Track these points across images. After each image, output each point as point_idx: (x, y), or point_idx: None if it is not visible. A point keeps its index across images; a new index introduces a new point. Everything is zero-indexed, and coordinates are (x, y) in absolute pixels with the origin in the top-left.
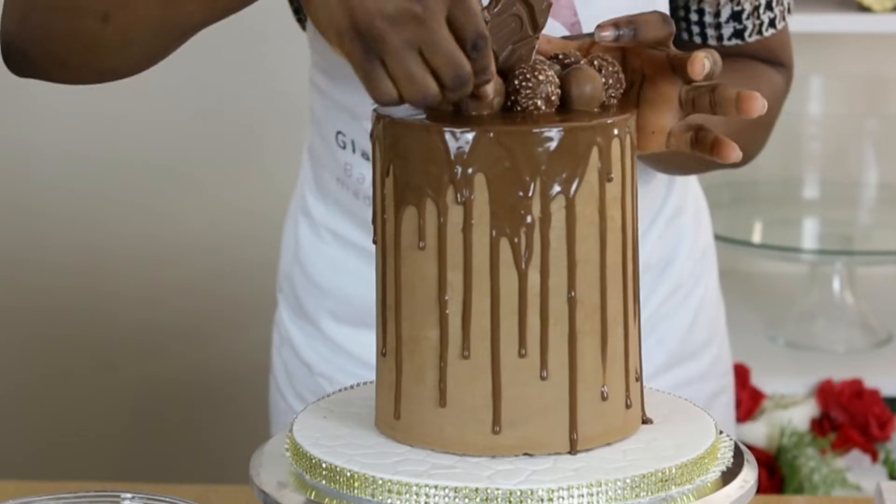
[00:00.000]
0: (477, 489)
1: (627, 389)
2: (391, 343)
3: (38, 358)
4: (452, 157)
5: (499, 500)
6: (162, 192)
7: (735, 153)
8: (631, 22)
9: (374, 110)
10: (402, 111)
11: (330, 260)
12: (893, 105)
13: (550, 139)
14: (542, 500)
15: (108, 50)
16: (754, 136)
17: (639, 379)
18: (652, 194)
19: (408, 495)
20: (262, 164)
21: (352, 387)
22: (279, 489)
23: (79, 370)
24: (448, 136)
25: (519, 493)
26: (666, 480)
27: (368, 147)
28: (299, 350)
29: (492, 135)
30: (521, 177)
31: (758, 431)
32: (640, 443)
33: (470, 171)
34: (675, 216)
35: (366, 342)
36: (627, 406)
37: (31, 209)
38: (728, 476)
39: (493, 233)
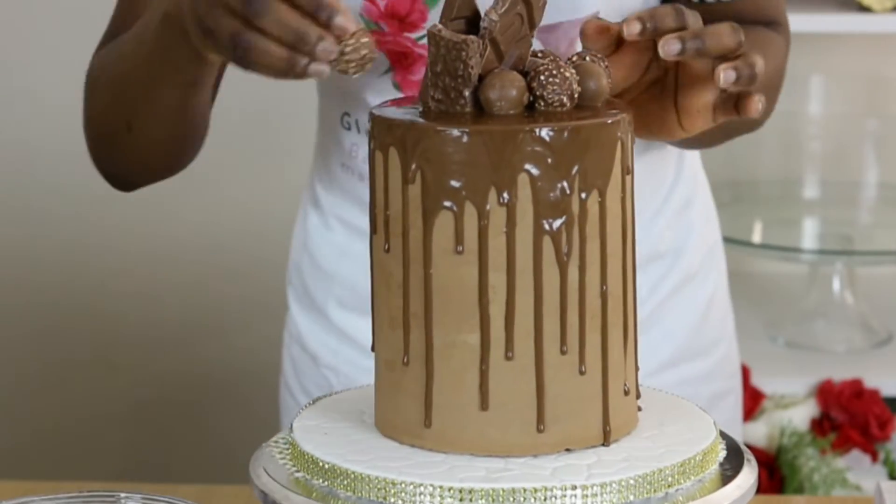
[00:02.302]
0: (553, 487)
1: (637, 380)
2: (417, 351)
3: (39, 357)
4: (495, 158)
5: (577, 497)
6: (169, 189)
7: (758, 105)
8: (697, 36)
9: (375, 115)
10: (397, 112)
11: (337, 247)
12: (893, 105)
13: (588, 135)
14: (613, 493)
15: (140, 151)
16: (770, 98)
17: (637, 369)
18: (659, 181)
19: (472, 502)
20: (270, 162)
21: (332, 394)
22: (282, 492)
23: (80, 369)
24: (490, 139)
25: (591, 487)
26: (706, 461)
27: None
28: (306, 343)
29: (536, 133)
30: (563, 174)
31: (758, 431)
32: (654, 430)
33: (513, 171)
34: (685, 207)
35: (369, 330)
36: (638, 395)
37: (35, 207)
38: (728, 476)
39: (536, 231)
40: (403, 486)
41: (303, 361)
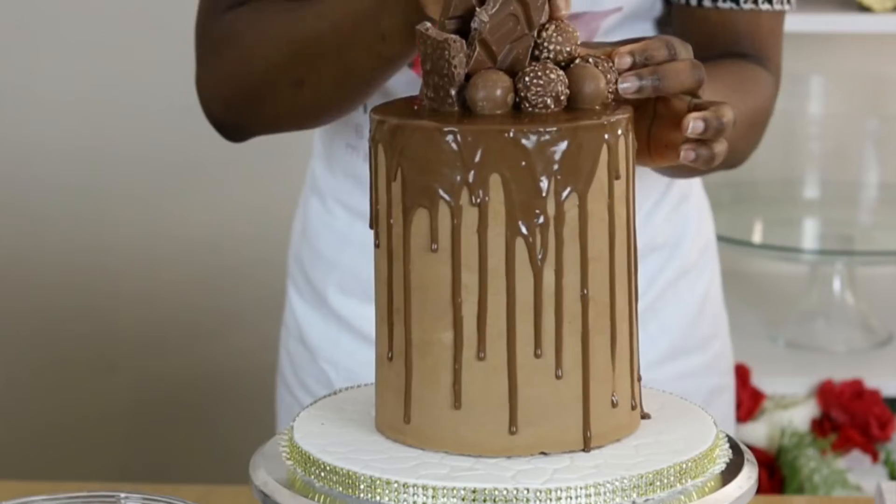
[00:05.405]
0: (506, 489)
1: (632, 387)
2: (399, 347)
3: (39, 357)
4: (467, 158)
5: (530, 500)
6: (168, 189)
7: (691, 155)
8: (655, 72)
9: (372, 110)
10: (391, 110)
11: (337, 233)
12: (893, 105)
13: (565, 138)
14: (570, 499)
15: (307, 109)
16: (751, 137)
17: (639, 379)
18: (658, 175)
19: (434, 499)
20: (269, 161)
21: (337, 392)
22: (282, 492)
23: (80, 369)
24: (462, 138)
25: (547, 492)
26: (683, 473)
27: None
28: (305, 335)
29: (508, 134)
30: (537, 176)
31: (758, 432)
32: (648, 437)
33: (485, 171)
34: (681, 202)
35: (369, 317)
36: (633, 407)
37: (34, 207)
38: (728, 476)
39: (509, 233)
40: (363, 478)
41: (301, 356)
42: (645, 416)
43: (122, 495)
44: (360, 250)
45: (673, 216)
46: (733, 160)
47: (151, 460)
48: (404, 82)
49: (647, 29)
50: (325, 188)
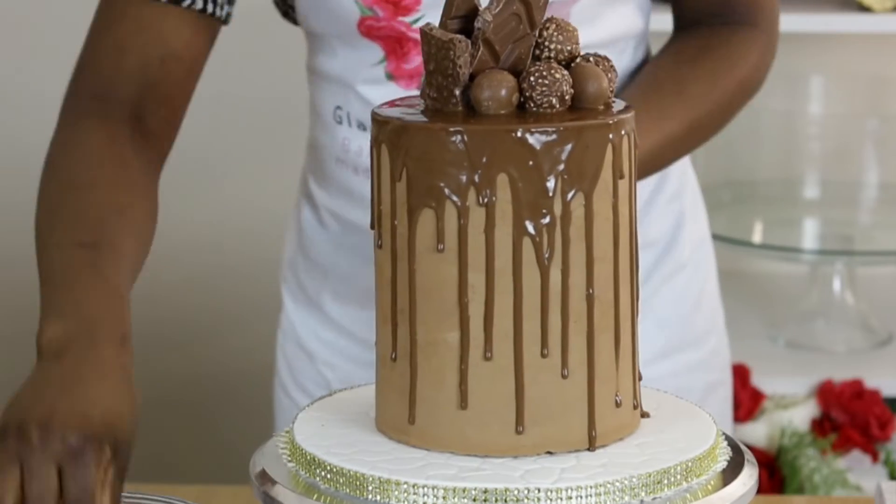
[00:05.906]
0: (517, 489)
1: (634, 386)
2: (403, 347)
3: None
4: (474, 158)
5: (541, 500)
6: (166, 189)
7: None
8: None
9: (373, 111)
10: (393, 110)
11: (331, 241)
12: (894, 105)
13: (572, 138)
14: (580, 498)
15: None
16: (737, 103)
17: (641, 378)
18: None
19: (444, 500)
20: (265, 161)
21: (333, 393)
22: (286, 493)
23: None
24: (469, 138)
25: (557, 491)
26: (688, 472)
27: (364, 117)
28: (302, 340)
29: (515, 134)
30: (544, 175)
31: (758, 432)
32: (650, 436)
33: (492, 171)
34: (676, 197)
35: (366, 322)
36: (634, 406)
37: (34, 207)
38: (730, 475)
39: (516, 232)
40: (371, 479)
41: (298, 359)
42: (645, 415)
43: (122, 495)
44: (354, 258)
45: (667, 212)
46: (720, 129)
47: (151, 460)
48: (371, 82)
49: (626, 14)
50: (318, 199)
